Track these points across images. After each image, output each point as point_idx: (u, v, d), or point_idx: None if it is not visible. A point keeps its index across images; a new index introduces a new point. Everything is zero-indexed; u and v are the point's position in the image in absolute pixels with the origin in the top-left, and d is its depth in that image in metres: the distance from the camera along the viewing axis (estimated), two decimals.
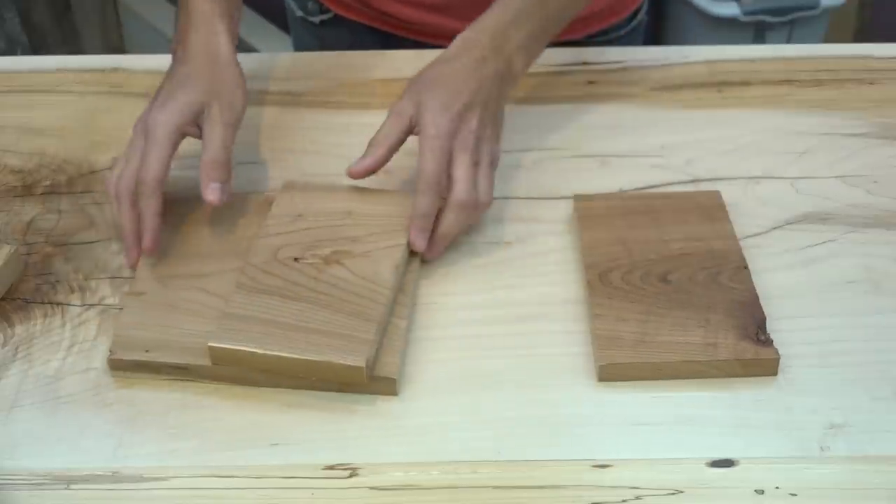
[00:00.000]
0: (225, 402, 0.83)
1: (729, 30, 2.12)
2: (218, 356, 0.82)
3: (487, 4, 1.17)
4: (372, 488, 0.77)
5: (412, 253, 0.91)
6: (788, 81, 1.14)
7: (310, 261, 0.88)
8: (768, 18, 2.11)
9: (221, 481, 0.78)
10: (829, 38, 2.24)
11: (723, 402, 0.82)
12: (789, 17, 2.11)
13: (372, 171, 0.93)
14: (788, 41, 2.15)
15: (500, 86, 0.96)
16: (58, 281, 0.93)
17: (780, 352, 0.83)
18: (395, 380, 0.82)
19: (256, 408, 0.82)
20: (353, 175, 0.93)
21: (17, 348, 0.87)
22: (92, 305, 0.91)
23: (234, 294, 0.85)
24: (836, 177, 1.02)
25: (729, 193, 1.00)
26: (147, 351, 0.84)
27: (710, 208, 0.95)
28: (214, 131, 0.92)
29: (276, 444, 0.80)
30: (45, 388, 0.84)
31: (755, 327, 0.84)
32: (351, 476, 0.78)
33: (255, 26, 2.26)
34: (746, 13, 2.09)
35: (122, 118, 1.10)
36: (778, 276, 0.91)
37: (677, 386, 0.83)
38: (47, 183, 1.03)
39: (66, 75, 1.17)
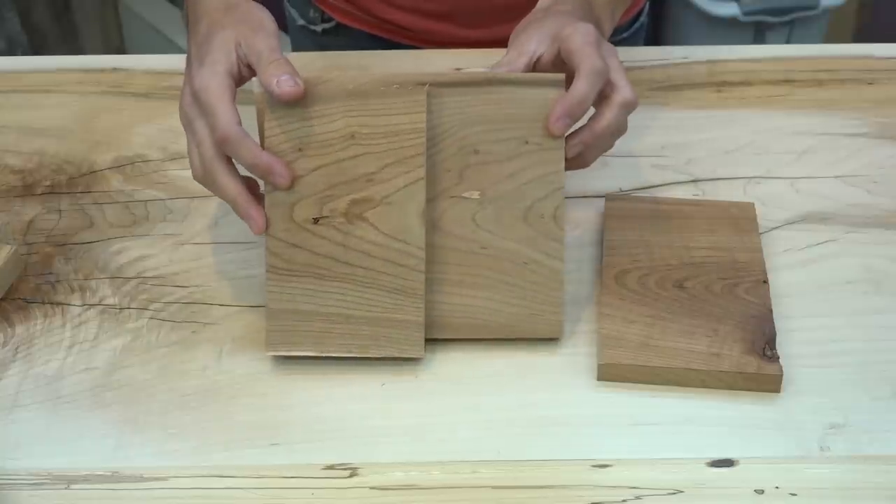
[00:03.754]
0: (225, 402, 0.83)
1: (729, 30, 2.12)
2: (277, 357, 0.84)
3: (489, 12, 1.16)
4: (372, 488, 0.77)
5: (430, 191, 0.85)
6: (788, 81, 1.14)
7: (330, 219, 0.83)
8: (768, 18, 2.11)
9: (221, 481, 0.78)
10: (829, 38, 2.24)
11: (723, 402, 0.82)
12: (789, 17, 2.11)
13: None
14: (788, 41, 2.15)
15: None
16: (58, 281, 0.93)
17: (780, 351, 0.83)
18: (560, 335, 0.86)
19: (256, 408, 0.82)
20: None
21: (17, 348, 0.87)
22: (92, 305, 0.91)
23: (268, 281, 0.84)
24: (836, 177, 1.02)
25: (729, 193, 1.00)
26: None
27: (740, 220, 0.94)
28: (254, 47, 0.83)
29: (276, 444, 0.80)
30: (45, 388, 0.84)
31: (763, 342, 0.83)
32: (351, 476, 0.78)
33: None
34: (746, 13, 2.09)
35: (122, 118, 1.10)
36: (778, 276, 0.91)
37: (677, 386, 0.83)
38: (47, 183, 1.03)
39: (66, 75, 1.16)
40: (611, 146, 0.87)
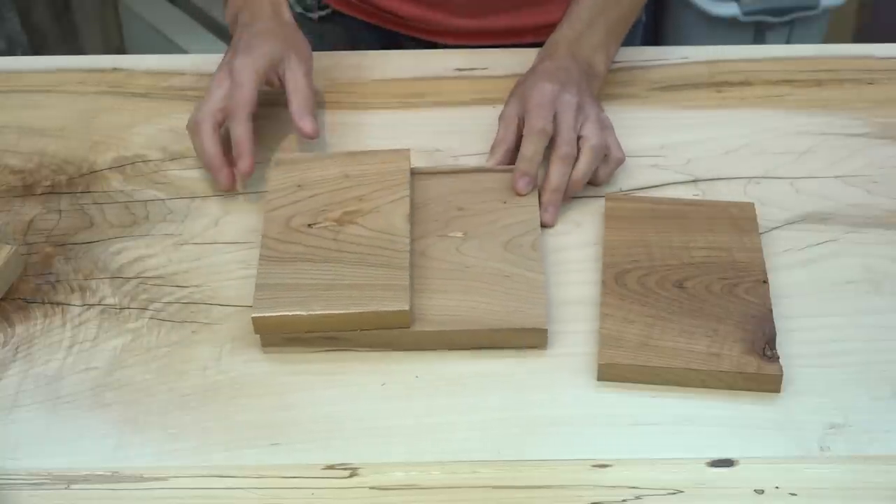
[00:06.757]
0: (225, 402, 0.83)
1: (729, 30, 2.11)
2: (262, 325, 0.84)
3: (483, 1, 1.17)
4: (372, 488, 0.77)
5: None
6: (788, 81, 1.14)
7: (324, 224, 0.91)
8: (768, 18, 2.10)
9: (221, 481, 0.78)
10: (829, 38, 2.23)
11: (723, 402, 0.82)
12: (789, 17, 2.11)
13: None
14: (788, 41, 2.14)
15: (588, 82, 1.02)
16: (58, 281, 0.93)
17: (780, 351, 0.83)
18: (545, 330, 0.85)
19: (256, 408, 0.83)
20: None
21: (17, 348, 0.87)
22: (92, 305, 0.91)
23: (260, 266, 0.87)
24: (836, 177, 1.02)
25: (729, 193, 1.00)
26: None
27: (740, 220, 0.94)
28: (298, 76, 1.00)
29: (277, 444, 0.80)
30: (45, 388, 0.84)
31: (763, 342, 0.83)
32: (351, 476, 0.78)
33: None
34: (746, 13, 2.09)
35: (122, 118, 1.10)
36: (778, 276, 0.91)
37: (678, 386, 0.83)
38: (47, 183, 1.03)
39: (66, 75, 1.16)
40: (584, 181, 0.97)
